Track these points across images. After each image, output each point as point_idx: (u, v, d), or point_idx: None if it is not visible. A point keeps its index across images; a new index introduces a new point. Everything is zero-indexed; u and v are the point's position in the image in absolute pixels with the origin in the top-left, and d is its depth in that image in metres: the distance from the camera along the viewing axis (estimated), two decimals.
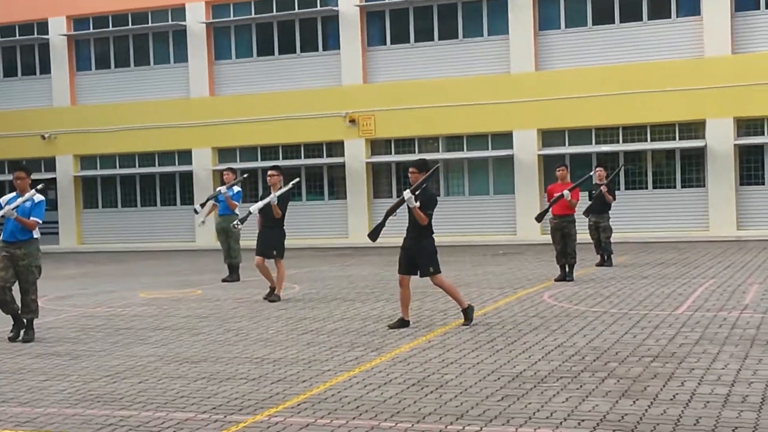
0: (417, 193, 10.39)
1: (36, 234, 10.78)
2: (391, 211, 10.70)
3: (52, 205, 30.88)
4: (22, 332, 10.87)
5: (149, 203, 30.07)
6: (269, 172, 14.17)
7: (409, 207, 10.45)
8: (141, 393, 7.90)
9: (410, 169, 10.71)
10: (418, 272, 10.79)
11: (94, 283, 18.29)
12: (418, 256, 10.70)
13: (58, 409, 7.47)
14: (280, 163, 27.78)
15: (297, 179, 15.04)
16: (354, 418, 6.75)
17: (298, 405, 7.23)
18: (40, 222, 10.77)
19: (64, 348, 10.41)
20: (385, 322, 11.26)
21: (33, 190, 10.61)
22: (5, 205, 10.64)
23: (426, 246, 10.67)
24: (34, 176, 32.10)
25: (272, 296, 13.86)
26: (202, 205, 17.88)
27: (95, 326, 12.05)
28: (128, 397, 7.75)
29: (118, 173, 30.14)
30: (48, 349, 10.36)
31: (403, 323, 10.83)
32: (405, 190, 10.42)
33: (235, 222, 14.67)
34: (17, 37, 30.99)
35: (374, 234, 10.85)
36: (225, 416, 6.98)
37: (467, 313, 10.89)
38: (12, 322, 10.95)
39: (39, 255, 10.89)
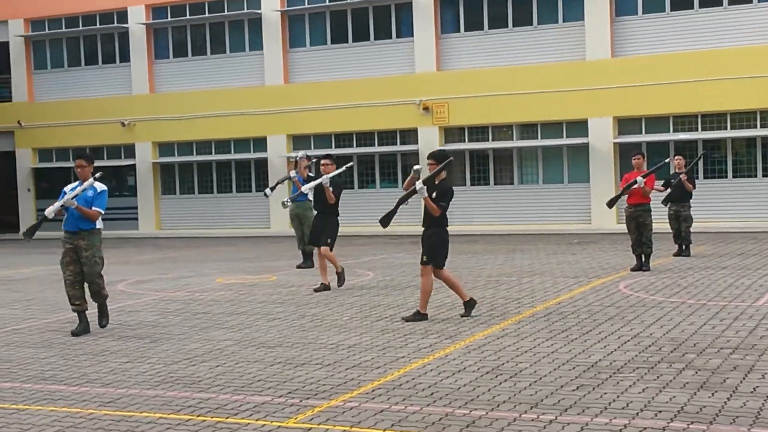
0: (434, 184, 10.39)
1: (99, 224, 10.50)
2: (403, 200, 10.65)
3: (131, 191, 31.60)
4: (97, 320, 10.72)
5: (225, 189, 30.47)
6: (323, 161, 13.96)
7: (422, 197, 10.38)
8: (219, 376, 8.04)
9: (428, 161, 10.61)
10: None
11: (173, 268, 18.63)
12: (424, 243, 10.67)
13: (139, 390, 7.65)
14: (355, 150, 28.02)
15: (351, 163, 15.05)
16: (428, 405, 6.79)
17: (373, 391, 7.29)
18: (103, 212, 10.43)
19: (144, 331, 10.65)
20: (459, 310, 11.26)
21: (92, 179, 10.33)
22: (69, 193, 10.30)
23: (433, 235, 10.58)
24: (115, 162, 32.70)
25: (339, 280, 13.91)
26: (272, 189, 18.17)
27: (174, 310, 12.30)
28: (207, 380, 7.90)
29: (194, 160, 30.59)
30: (129, 332, 10.62)
31: (419, 316, 10.69)
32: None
33: (285, 200, 14.69)
34: (98, 26, 31.61)
35: (385, 221, 10.70)
36: (300, 401, 7.07)
37: (467, 305, 10.83)
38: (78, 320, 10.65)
39: (100, 246, 10.60)
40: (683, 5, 25.12)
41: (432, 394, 7.13)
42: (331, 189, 13.55)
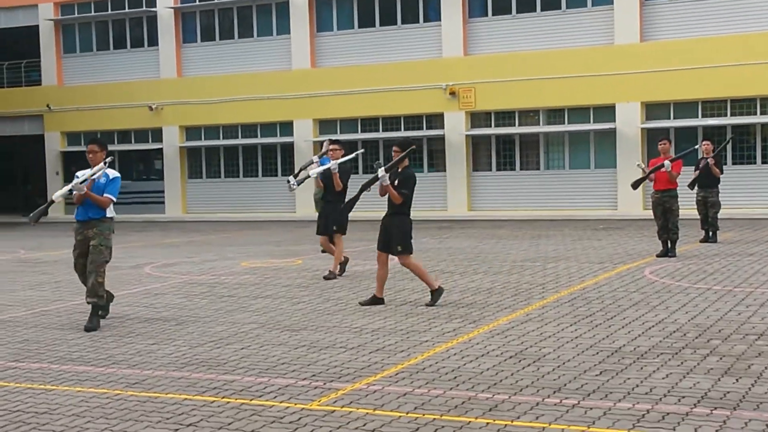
0: (397, 171, 10.47)
1: (110, 213, 9.93)
2: (365, 186, 10.74)
3: (158, 174, 31.79)
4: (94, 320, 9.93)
5: (251, 174, 30.58)
6: (331, 147, 13.65)
7: (382, 184, 10.43)
8: (244, 359, 8.11)
9: (393, 148, 10.68)
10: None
11: (199, 252, 18.75)
12: (390, 232, 10.70)
13: (165, 372, 7.73)
14: (381, 135, 28.03)
15: (362, 150, 14.86)
16: (451, 389, 6.81)
17: (396, 374, 7.32)
18: (114, 199, 9.86)
19: (170, 313, 10.74)
20: (484, 295, 11.28)
21: (102, 164, 9.71)
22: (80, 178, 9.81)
23: (398, 223, 10.64)
24: (142, 146, 32.94)
25: (329, 274, 13.39)
26: (296, 176, 17.54)
27: (200, 293, 12.39)
28: (231, 363, 7.96)
29: (221, 144, 30.73)
30: (155, 314, 10.71)
31: (375, 300, 10.75)
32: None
33: (291, 182, 13.80)
34: (126, 10, 31.78)
35: (348, 206, 10.94)
36: (324, 383, 7.12)
37: (434, 294, 10.73)
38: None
39: (110, 235, 9.95)
40: None
41: (455, 378, 7.15)
42: (338, 175, 13.22)
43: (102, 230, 9.83)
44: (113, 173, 9.94)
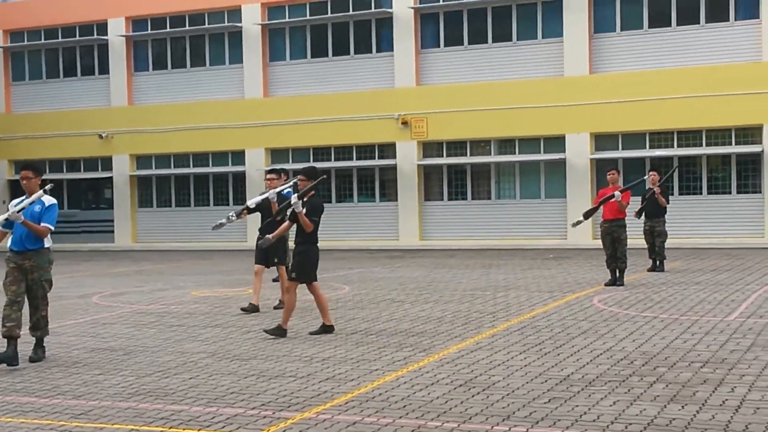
0: (304, 200, 10.55)
1: (47, 243, 9.39)
2: (279, 212, 11.04)
3: (108, 203, 31.47)
4: (31, 351, 9.59)
5: (202, 203, 30.38)
6: (268, 176, 13.13)
7: (295, 212, 10.52)
8: (192, 388, 8.02)
9: (299, 177, 10.73)
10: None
11: (148, 281, 18.57)
12: (294, 258, 10.86)
13: (111, 402, 7.62)
14: (333, 164, 28.05)
15: (295, 179, 12.47)
16: (401, 417, 6.80)
17: (346, 403, 7.30)
18: (52, 228, 9.31)
19: (117, 343, 10.60)
20: (434, 324, 11.30)
21: (41, 191, 9.21)
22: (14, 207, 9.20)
23: (303, 252, 10.72)
24: (92, 175, 32.52)
25: (279, 304, 12.96)
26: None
27: (148, 323, 12.26)
28: (180, 392, 7.88)
29: (172, 173, 30.52)
30: (102, 344, 10.57)
31: (280, 331, 10.66)
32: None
33: (230, 214, 12.85)
34: (77, 37, 31.54)
35: (266, 229, 11.35)
36: (273, 413, 7.07)
37: (325, 327, 10.81)
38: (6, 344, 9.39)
39: (49, 267, 9.48)
40: (661, 23, 25.36)
41: (405, 406, 7.14)
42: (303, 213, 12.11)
43: (40, 263, 9.34)
44: (50, 200, 9.36)
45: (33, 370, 9.14)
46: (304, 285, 10.86)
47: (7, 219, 9.15)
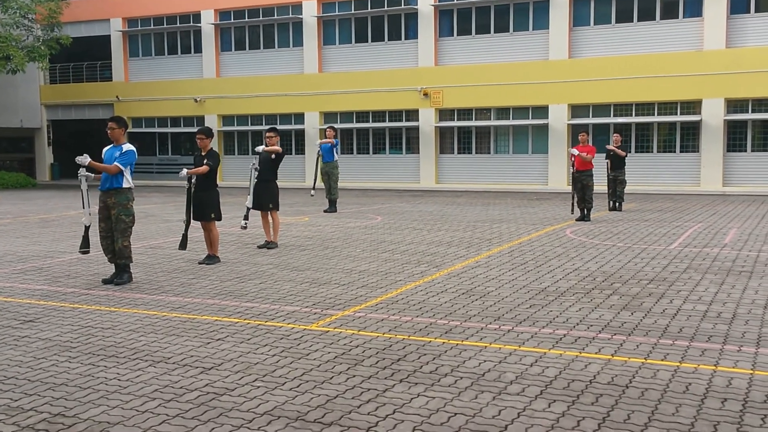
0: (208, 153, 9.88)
1: (126, 183, 8.48)
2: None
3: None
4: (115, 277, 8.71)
5: None
6: (267, 134, 11.47)
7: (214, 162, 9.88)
8: (261, 291, 8.07)
9: (198, 135, 9.83)
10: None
11: (233, 210, 18.58)
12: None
13: (201, 299, 7.69)
14: (371, 125, 27.84)
15: (259, 149, 11.56)
16: (417, 317, 6.81)
17: (376, 305, 7.31)
18: (121, 167, 8.39)
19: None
20: (445, 247, 11.25)
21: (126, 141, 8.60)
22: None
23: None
24: (189, 129, 32.32)
25: (270, 244, 11.36)
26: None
27: (229, 242, 12.31)
28: (252, 293, 7.93)
29: (249, 129, 30.44)
30: (195, 257, 10.64)
31: (215, 259, 9.99)
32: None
33: (254, 164, 11.35)
34: (178, 25, 31.29)
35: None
36: (322, 310, 7.10)
37: (211, 257, 9.96)
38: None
39: (128, 204, 8.52)
40: (625, 18, 24.73)
41: (421, 308, 7.14)
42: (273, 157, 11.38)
43: (120, 200, 8.46)
44: (128, 147, 8.54)
45: (144, 274, 9.22)
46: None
47: (78, 161, 8.33)
